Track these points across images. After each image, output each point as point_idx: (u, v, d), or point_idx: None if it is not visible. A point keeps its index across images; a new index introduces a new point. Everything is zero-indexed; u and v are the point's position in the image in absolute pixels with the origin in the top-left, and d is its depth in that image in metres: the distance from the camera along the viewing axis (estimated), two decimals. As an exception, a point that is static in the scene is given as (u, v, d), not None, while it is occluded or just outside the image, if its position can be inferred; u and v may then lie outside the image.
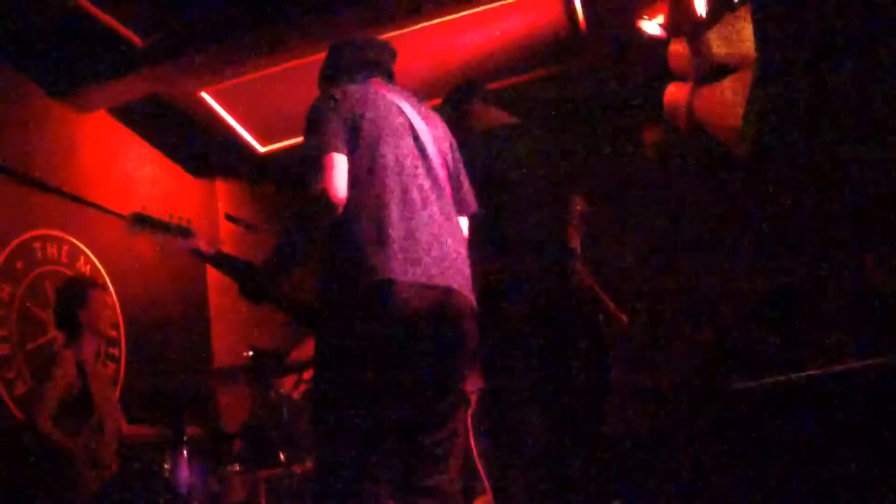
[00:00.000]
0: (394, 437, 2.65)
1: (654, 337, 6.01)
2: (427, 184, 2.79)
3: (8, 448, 4.38)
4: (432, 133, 2.93)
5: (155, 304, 5.88)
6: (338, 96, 2.79)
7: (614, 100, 6.50)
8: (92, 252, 5.47)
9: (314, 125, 2.76)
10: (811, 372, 3.83)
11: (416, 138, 2.85)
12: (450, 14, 5.22)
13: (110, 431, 4.36)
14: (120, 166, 5.98)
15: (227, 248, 2.82)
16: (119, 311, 5.58)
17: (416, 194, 2.73)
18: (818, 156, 5.71)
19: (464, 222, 3.02)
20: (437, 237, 2.72)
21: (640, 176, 6.49)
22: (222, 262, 3.02)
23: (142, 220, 2.98)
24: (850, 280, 5.21)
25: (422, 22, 5.23)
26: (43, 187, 5.18)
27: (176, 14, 5.13)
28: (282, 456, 4.26)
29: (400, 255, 2.59)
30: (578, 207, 5.32)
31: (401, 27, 5.22)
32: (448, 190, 2.89)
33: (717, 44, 5.37)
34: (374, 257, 2.58)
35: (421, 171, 2.79)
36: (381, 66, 3.07)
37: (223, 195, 7.04)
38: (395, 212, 2.65)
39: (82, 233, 5.43)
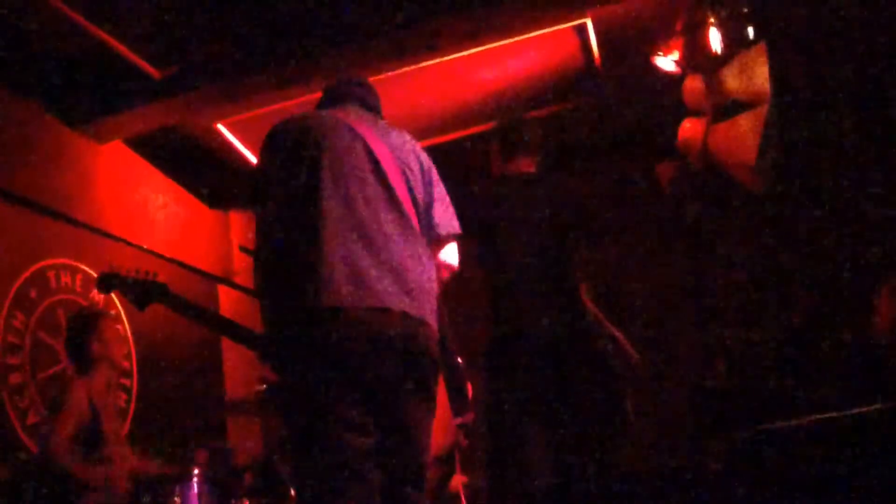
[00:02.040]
0: (365, 482, 2.47)
1: (666, 373, 5.98)
2: (382, 206, 2.67)
3: (19, 478, 4.35)
4: (395, 155, 2.81)
5: (167, 335, 5.85)
6: (285, 123, 2.82)
7: (629, 135, 6.50)
8: (106, 282, 5.46)
9: (261, 149, 2.79)
10: (826, 415, 3.79)
11: (372, 161, 2.73)
12: (465, 50, 5.24)
13: (121, 463, 4.32)
14: (135, 196, 6.02)
15: (239, 280, 2.78)
16: (132, 341, 5.58)
17: (366, 217, 2.62)
18: (832, 195, 5.69)
19: (450, 248, 2.93)
20: (392, 261, 2.59)
21: (654, 212, 6.48)
22: (200, 314, 2.97)
23: (110, 280, 2.94)
24: (862, 324, 5.16)
25: (437, 58, 5.25)
26: (58, 216, 5.20)
27: (192, 47, 5.17)
28: (293, 491, 4.22)
29: (340, 280, 2.47)
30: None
31: (416, 63, 5.25)
32: (411, 213, 2.74)
33: (732, 80, 5.36)
34: (310, 284, 2.47)
35: (374, 194, 2.68)
36: (353, 96, 3.01)
37: (237, 227, 7.07)
38: (331, 235, 2.53)
39: (97, 262, 5.38)
